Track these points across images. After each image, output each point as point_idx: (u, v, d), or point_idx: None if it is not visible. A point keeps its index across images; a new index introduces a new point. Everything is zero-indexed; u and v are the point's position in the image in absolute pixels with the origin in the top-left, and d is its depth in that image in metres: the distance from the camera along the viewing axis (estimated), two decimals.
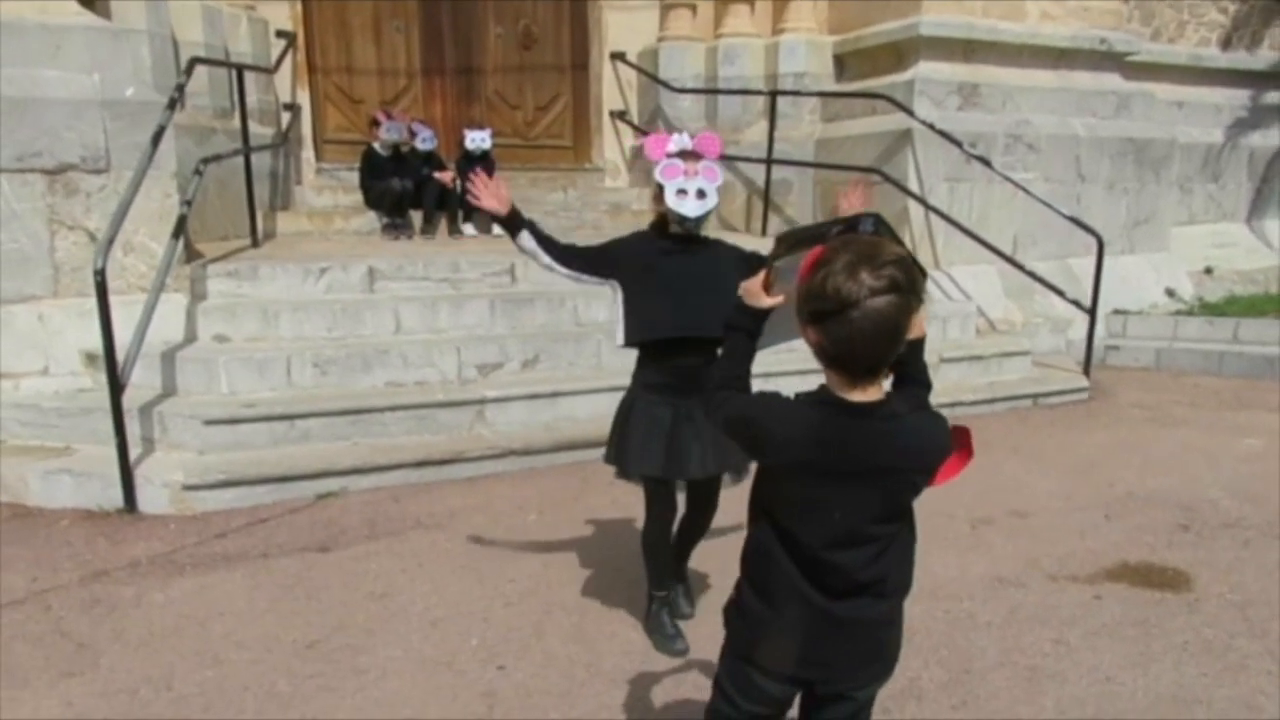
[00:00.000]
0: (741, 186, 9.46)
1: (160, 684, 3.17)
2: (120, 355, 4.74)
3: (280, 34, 8.59)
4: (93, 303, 5.12)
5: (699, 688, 3.10)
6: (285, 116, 8.65)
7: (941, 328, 7.32)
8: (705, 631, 3.51)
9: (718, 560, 3.85)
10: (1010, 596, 3.84)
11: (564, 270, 3.34)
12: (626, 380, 5.86)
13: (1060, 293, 7.91)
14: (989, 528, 4.55)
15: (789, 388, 1.90)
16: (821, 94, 9.31)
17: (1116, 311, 8.89)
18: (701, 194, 3.16)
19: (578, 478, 5.25)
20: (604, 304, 6.58)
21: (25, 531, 4.50)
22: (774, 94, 9.00)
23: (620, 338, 3.34)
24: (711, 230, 3.47)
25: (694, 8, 9.78)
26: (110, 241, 4.78)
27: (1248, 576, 4.01)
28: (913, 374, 1.93)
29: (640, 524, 4.41)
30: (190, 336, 5.76)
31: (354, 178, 8.56)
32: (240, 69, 7.10)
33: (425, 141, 8.44)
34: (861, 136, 8.76)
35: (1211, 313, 9.10)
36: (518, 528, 4.55)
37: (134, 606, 3.73)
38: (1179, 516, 4.72)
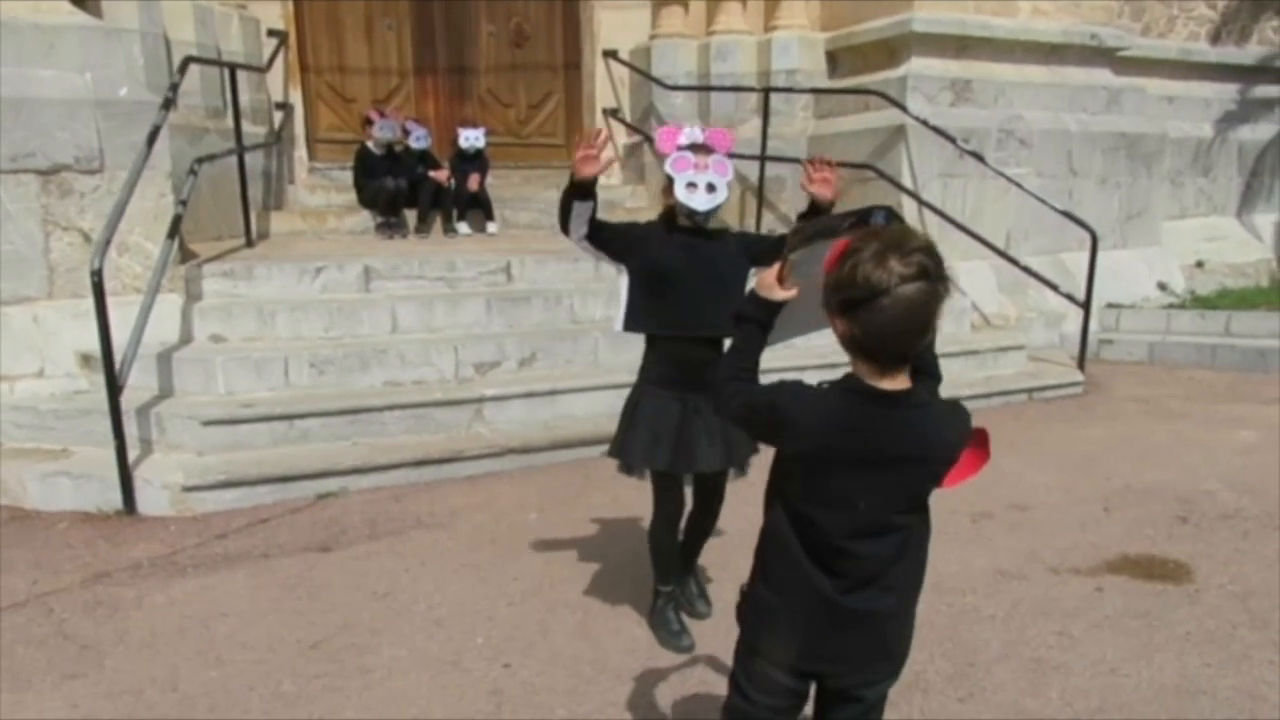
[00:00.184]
0: (735, 183, 9.44)
1: (165, 685, 3.16)
2: (116, 356, 4.71)
3: (272, 33, 8.57)
4: (88, 304, 5.11)
5: (705, 684, 3.11)
6: (278, 116, 8.63)
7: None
8: (711, 628, 3.52)
9: (718, 556, 3.85)
10: (1012, 590, 3.85)
11: (589, 245, 3.24)
12: (624, 377, 5.90)
13: (1054, 287, 7.94)
14: (989, 522, 4.56)
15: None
16: (814, 90, 9.32)
17: (1109, 305, 8.91)
18: (711, 188, 3.16)
19: (578, 476, 5.24)
20: (600, 302, 6.59)
21: (24, 534, 4.48)
22: (767, 91, 9.00)
23: (618, 324, 3.32)
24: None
25: (686, 5, 9.78)
26: (107, 242, 4.76)
27: (1248, 567, 4.03)
28: (925, 366, 1.93)
29: (642, 521, 4.42)
30: (186, 337, 5.74)
31: (347, 177, 8.55)
32: (233, 68, 7.07)
33: (419, 140, 8.43)
34: (855, 133, 8.77)
35: (1204, 306, 9.15)
36: (519, 526, 4.54)
37: (136, 608, 3.72)
38: (1177, 509, 4.74)
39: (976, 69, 8.86)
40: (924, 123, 7.98)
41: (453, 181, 8.38)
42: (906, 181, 8.24)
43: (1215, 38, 11.47)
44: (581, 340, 6.22)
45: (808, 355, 5.77)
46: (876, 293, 1.64)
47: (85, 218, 5.66)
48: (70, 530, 4.55)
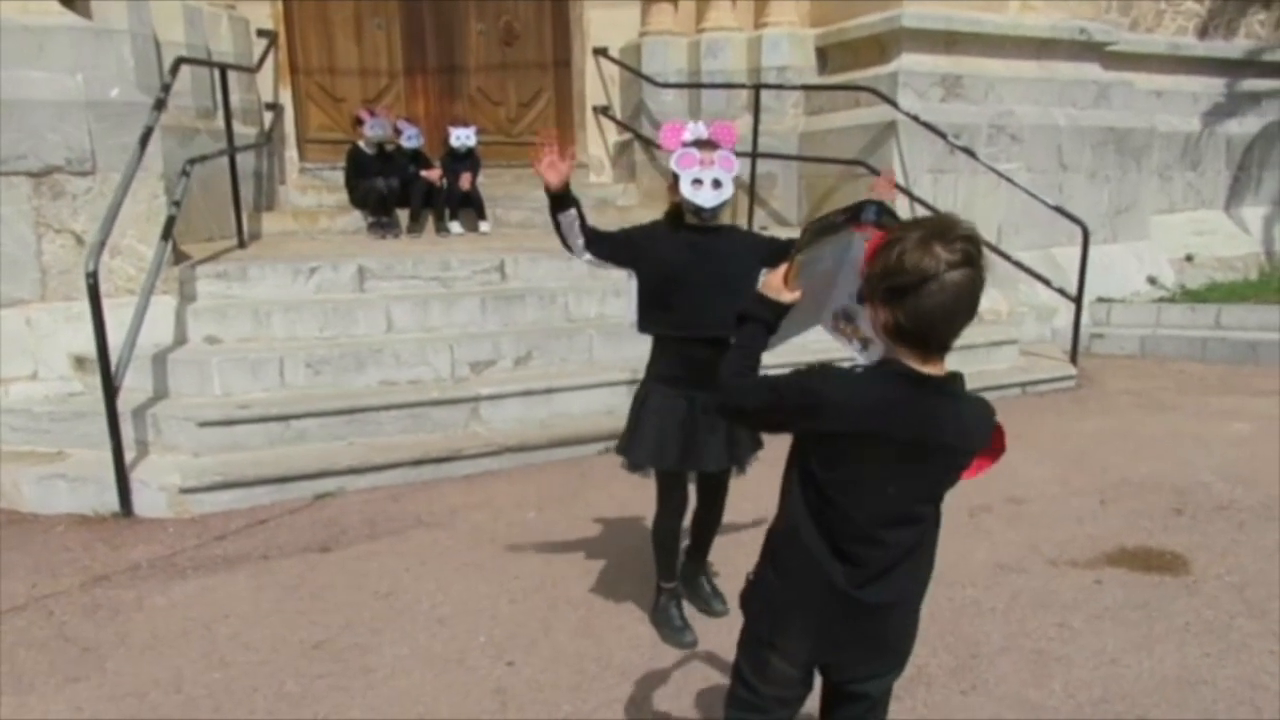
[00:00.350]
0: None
1: (169, 686, 3.15)
2: (111, 358, 4.69)
3: (261, 33, 8.54)
4: (81, 306, 5.10)
5: (709, 680, 3.12)
6: (268, 116, 8.60)
7: None
8: (714, 623, 3.54)
9: (716, 554, 3.85)
10: (1012, 582, 3.87)
11: (588, 256, 3.25)
12: (620, 375, 5.96)
13: (1046, 281, 7.97)
14: (988, 515, 4.58)
15: None
16: (805, 87, 9.33)
17: (1100, 300, 8.96)
18: (717, 184, 3.14)
19: (575, 474, 5.25)
20: (594, 299, 6.60)
21: (21, 537, 4.45)
22: (758, 88, 9.01)
23: (634, 323, 3.32)
24: None
25: (676, 2, 9.80)
26: (101, 244, 4.73)
27: (1244, 558, 4.06)
28: None
29: (642, 519, 4.44)
30: (180, 338, 5.72)
31: (338, 177, 8.53)
32: (224, 69, 7.05)
33: (411, 139, 8.41)
34: (845, 129, 8.79)
35: (1194, 299, 9.20)
36: (518, 525, 4.55)
37: (136, 610, 3.71)
38: (1173, 501, 4.77)
39: (966, 64, 8.89)
40: (915, 118, 8.01)
41: (445, 181, 8.36)
42: (898, 177, 8.25)
43: (1203, 32, 11.52)
44: (577, 338, 6.22)
45: (802, 352, 5.77)
46: (925, 278, 1.65)
47: (78, 220, 5.63)
48: (67, 533, 4.53)
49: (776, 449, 3.19)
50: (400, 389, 5.58)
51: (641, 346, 6.27)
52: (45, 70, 5.58)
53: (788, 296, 1.95)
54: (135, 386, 5.16)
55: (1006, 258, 7.94)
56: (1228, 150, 11.61)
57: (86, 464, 4.88)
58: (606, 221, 9.17)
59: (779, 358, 2.11)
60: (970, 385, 1.85)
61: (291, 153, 9.02)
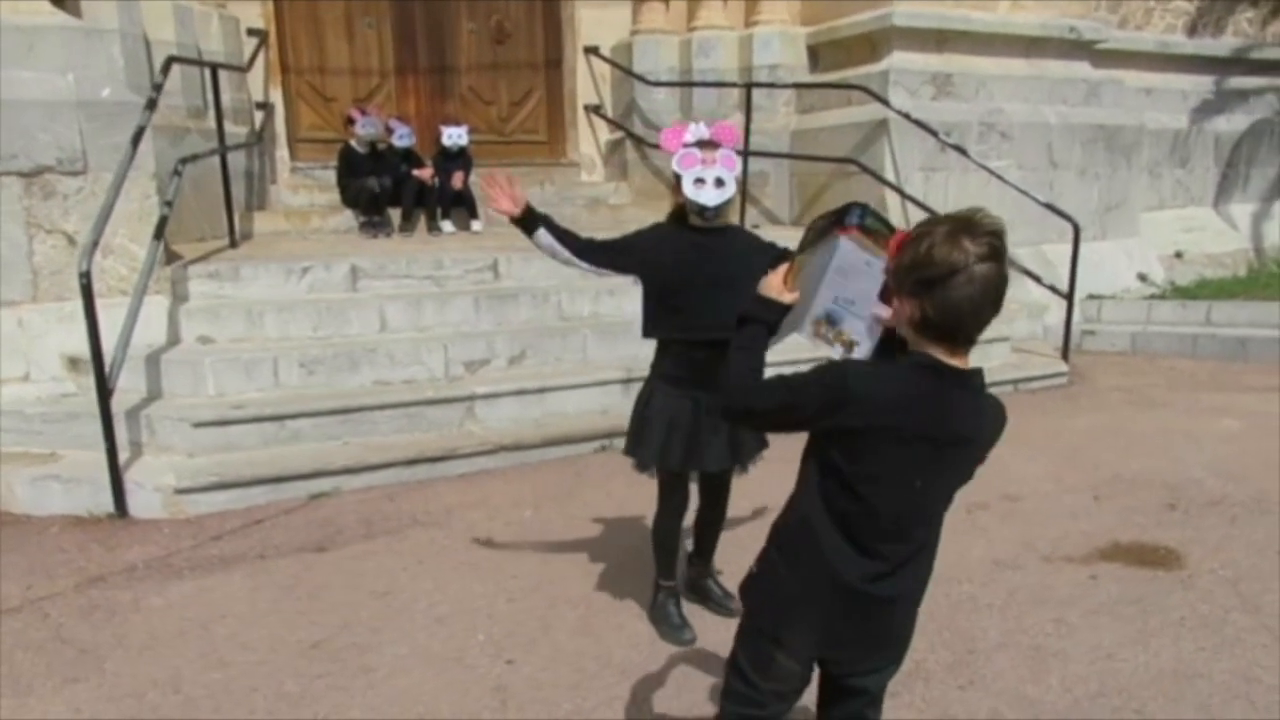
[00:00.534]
0: None
1: (167, 687, 3.15)
2: (105, 359, 4.67)
3: (251, 32, 8.52)
4: (73, 307, 5.08)
5: (708, 676, 3.13)
6: (258, 115, 8.57)
7: None
8: (711, 621, 3.54)
9: (718, 551, 3.86)
10: (1008, 579, 3.89)
11: (584, 265, 3.27)
12: (614, 374, 5.97)
13: (1037, 278, 8.01)
14: (983, 512, 4.60)
15: None
16: (797, 85, 9.34)
17: (1091, 297, 9.00)
18: (720, 182, 3.13)
19: (570, 472, 5.25)
20: (588, 298, 6.60)
21: (16, 539, 4.44)
22: (749, 86, 9.01)
23: (641, 329, 3.32)
24: None
25: (667, 1, 9.79)
26: (95, 244, 4.71)
27: (1237, 553, 4.09)
28: None
29: (638, 517, 4.46)
30: (173, 339, 5.69)
31: (330, 176, 8.51)
32: (215, 68, 7.02)
33: (402, 138, 8.39)
34: (837, 127, 8.81)
35: (1184, 296, 9.25)
36: (515, 524, 4.55)
37: (133, 611, 3.70)
38: (1166, 496, 4.79)
39: (957, 62, 8.92)
40: (906, 116, 8.03)
41: (437, 180, 8.35)
42: (889, 175, 8.28)
43: (1191, 30, 11.58)
44: (570, 337, 6.22)
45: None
46: (954, 271, 1.68)
47: (69, 220, 5.60)
48: (62, 534, 4.51)
49: (777, 448, 3.23)
50: (394, 388, 5.57)
51: (635, 345, 6.32)
52: (36, 70, 5.55)
53: (788, 297, 1.95)
54: (128, 387, 5.14)
55: None
56: (1216, 147, 11.68)
57: (80, 465, 4.86)
58: (599, 220, 9.22)
59: (776, 354, 2.13)
60: None
61: (283, 152, 9.00)
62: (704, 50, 9.59)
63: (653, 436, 3.28)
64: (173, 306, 5.78)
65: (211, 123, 7.04)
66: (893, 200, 8.26)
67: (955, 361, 1.77)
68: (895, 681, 2.93)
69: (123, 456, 4.77)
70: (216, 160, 6.95)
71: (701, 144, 3.13)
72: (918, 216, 8.10)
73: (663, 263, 3.22)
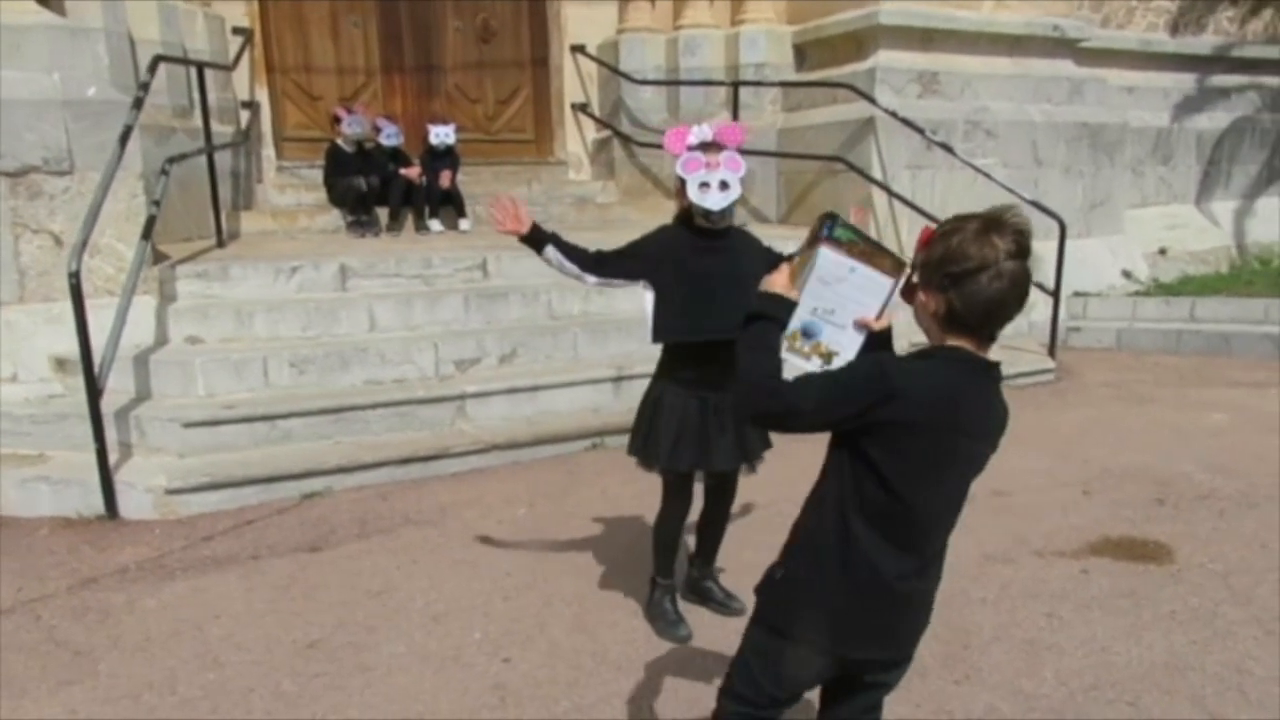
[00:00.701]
0: None
1: (163, 688, 3.13)
2: (94, 359, 4.64)
3: (236, 30, 8.47)
4: (60, 307, 5.06)
5: (706, 672, 3.14)
6: (244, 114, 8.53)
7: (910, 312, 7.41)
8: (708, 617, 3.55)
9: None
10: (1000, 573, 3.91)
11: (592, 280, 3.26)
12: (605, 372, 5.97)
13: None
14: (973, 507, 4.51)
15: None
16: (783, 84, 9.36)
17: (1076, 294, 9.04)
18: (725, 185, 3.13)
19: (563, 471, 5.25)
20: (578, 297, 6.59)
21: (5, 541, 4.40)
22: (736, 85, 9.04)
23: (650, 334, 3.31)
24: None
25: (653, 0, 9.79)
26: (84, 244, 4.68)
27: (1226, 546, 4.13)
28: None
29: (631, 514, 4.49)
30: (162, 339, 5.67)
31: (316, 175, 8.48)
32: (201, 67, 6.98)
33: (390, 137, 8.37)
34: (824, 125, 8.83)
35: (1168, 293, 9.32)
36: (509, 522, 4.55)
37: (127, 612, 3.68)
38: (1155, 491, 4.83)
39: (943, 61, 8.95)
40: (893, 114, 8.05)
41: (424, 178, 8.33)
42: (876, 173, 8.31)
43: (1174, 28, 11.66)
44: (561, 335, 6.22)
45: None
46: (984, 266, 1.71)
47: (55, 220, 5.57)
48: (52, 536, 4.49)
49: (779, 446, 3.25)
50: (386, 388, 5.56)
51: (626, 343, 6.34)
52: (21, 69, 5.52)
53: (794, 294, 1.94)
54: (117, 388, 5.12)
55: None
56: (1198, 145, 11.76)
57: (69, 466, 4.83)
58: (586, 218, 9.21)
59: None
60: None
61: (269, 151, 8.96)
62: (690, 49, 9.60)
63: (663, 438, 3.27)
64: (161, 307, 5.76)
65: (196, 122, 7.01)
66: (880, 198, 8.30)
67: (982, 355, 1.80)
68: None
69: (112, 457, 4.75)
70: (202, 160, 6.92)
71: (705, 146, 3.12)
72: (905, 214, 8.18)
73: (670, 265, 3.21)
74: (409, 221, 8.46)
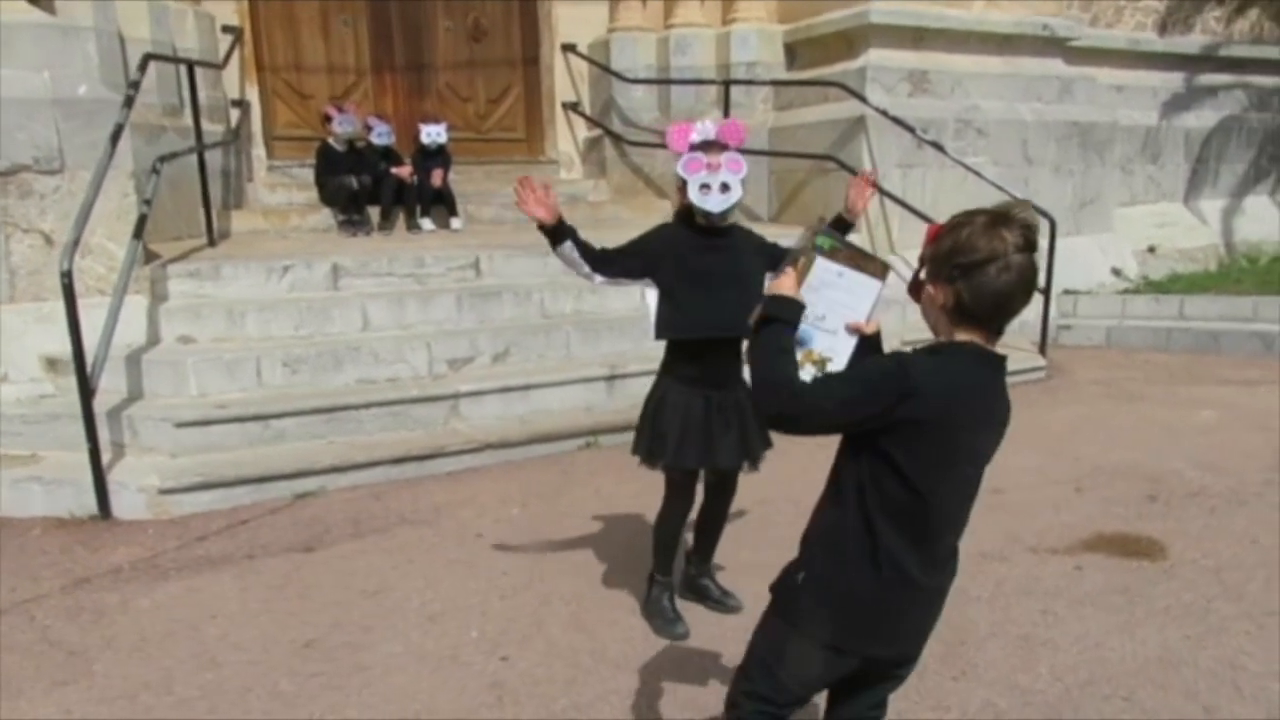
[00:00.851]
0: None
1: (159, 688, 3.13)
2: (87, 359, 4.62)
3: (226, 29, 8.44)
4: (50, 307, 5.03)
5: (704, 670, 3.15)
6: (234, 113, 8.50)
7: (901, 311, 7.41)
8: (704, 614, 3.56)
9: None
10: (995, 570, 3.93)
11: (600, 278, 3.23)
12: (597, 371, 5.98)
13: None
14: None
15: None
16: (774, 83, 9.37)
17: (1066, 292, 9.08)
18: (725, 187, 3.13)
19: (557, 469, 5.25)
20: (570, 296, 6.60)
21: None
22: (727, 83, 9.05)
23: (652, 332, 3.31)
24: None
25: None
26: (75, 243, 4.67)
27: (1218, 543, 4.15)
28: None
29: (626, 513, 4.50)
30: (153, 339, 5.65)
31: (307, 174, 8.46)
32: (191, 65, 6.96)
33: (381, 136, 8.35)
34: (815, 124, 8.84)
35: (1157, 291, 9.36)
36: (504, 521, 4.55)
37: (121, 613, 3.67)
38: (1146, 488, 4.86)
39: (933, 60, 8.98)
40: (884, 113, 8.07)
41: (416, 177, 8.31)
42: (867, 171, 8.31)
43: (1162, 28, 11.71)
44: (553, 334, 6.22)
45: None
46: (994, 258, 1.72)
47: (46, 219, 5.55)
48: (44, 537, 4.47)
49: (775, 445, 3.25)
50: (379, 387, 5.56)
51: (618, 342, 6.34)
52: (11, 68, 5.49)
53: (802, 297, 1.93)
54: (110, 388, 5.10)
55: None
56: (1186, 144, 11.82)
57: (62, 466, 4.82)
58: (577, 217, 9.18)
59: None
60: None
61: (259, 150, 8.93)
62: (681, 48, 9.60)
63: (668, 436, 3.27)
64: (152, 306, 5.74)
65: (187, 120, 6.99)
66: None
67: (992, 349, 1.81)
68: None
69: (105, 457, 4.73)
70: (193, 159, 6.90)
71: (706, 146, 3.12)
72: (896, 213, 8.20)
73: (671, 263, 3.22)
74: (400, 220, 8.43)
